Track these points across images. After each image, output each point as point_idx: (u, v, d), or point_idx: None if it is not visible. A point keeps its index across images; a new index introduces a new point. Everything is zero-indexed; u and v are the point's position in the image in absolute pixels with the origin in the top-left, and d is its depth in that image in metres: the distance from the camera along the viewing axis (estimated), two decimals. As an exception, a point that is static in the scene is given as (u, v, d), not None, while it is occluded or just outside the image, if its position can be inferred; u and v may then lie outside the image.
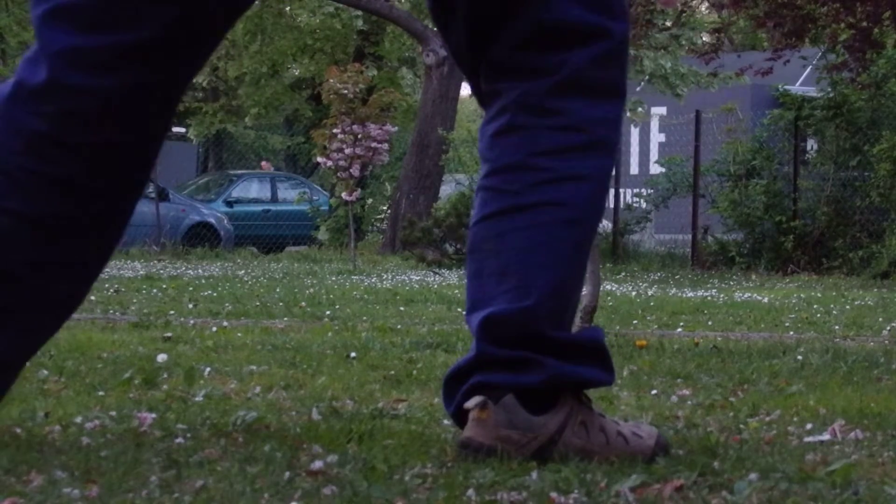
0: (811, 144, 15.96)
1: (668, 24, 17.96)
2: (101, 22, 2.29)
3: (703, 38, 18.95)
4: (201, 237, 19.66)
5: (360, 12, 20.62)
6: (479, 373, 2.37)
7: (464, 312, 2.50)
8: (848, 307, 8.42)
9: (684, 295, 9.79)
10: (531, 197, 2.39)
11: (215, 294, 8.59)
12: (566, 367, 2.38)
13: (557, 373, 2.37)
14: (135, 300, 7.67)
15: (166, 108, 2.40)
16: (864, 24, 16.67)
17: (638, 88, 19.40)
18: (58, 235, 2.35)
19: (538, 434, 2.34)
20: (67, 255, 2.37)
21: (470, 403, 2.34)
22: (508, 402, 2.33)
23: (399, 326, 5.84)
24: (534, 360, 2.36)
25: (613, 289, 10.29)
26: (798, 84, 20.28)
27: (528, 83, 2.41)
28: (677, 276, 13.41)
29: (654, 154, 20.39)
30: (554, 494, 2.03)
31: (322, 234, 20.43)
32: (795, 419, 2.96)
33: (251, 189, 23.91)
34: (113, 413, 2.84)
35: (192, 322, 5.91)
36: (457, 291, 8.83)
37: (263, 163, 24.24)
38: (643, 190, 17.71)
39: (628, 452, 2.35)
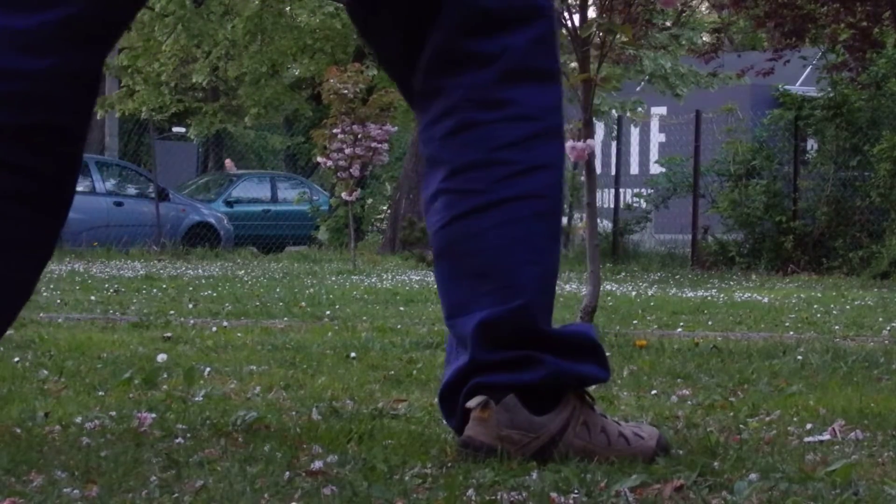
0: (811, 144, 15.96)
1: (668, 23, 17.95)
2: (26, 1, 2.28)
3: (703, 38, 18.95)
4: (201, 237, 19.66)
5: (360, 12, 20.52)
6: (476, 376, 2.35)
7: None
8: (848, 307, 8.42)
9: (684, 295, 9.79)
10: (501, 192, 2.35)
11: (215, 294, 8.59)
12: (564, 364, 2.37)
13: (556, 370, 2.36)
14: (135, 300, 7.67)
15: (94, 87, 2.39)
16: (864, 23, 16.67)
17: (638, 88, 19.38)
18: None
19: (539, 434, 2.33)
20: (6, 237, 2.33)
21: (472, 403, 2.33)
22: (510, 401, 2.32)
23: (399, 326, 5.84)
24: (533, 358, 2.35)
25: (613, 289, 10.29)
26: (798, 84, 20.26)
27: (471, 74, 2.36)
28: (677, 276, 13.40)
29: (654, 154, 20.38)
30: (554, 494, 2.03)
31: (322, 234, 20.43)
32: (795, 419, 2.96)
33: (251, 189, 23.91)
34: (113, 413, 2.84)
35: (192, 322, 5.91)
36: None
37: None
38: (643, 190, 17.71)
39: (630, 453, 2.35)
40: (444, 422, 2.47)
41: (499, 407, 2.32)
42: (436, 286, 2.45)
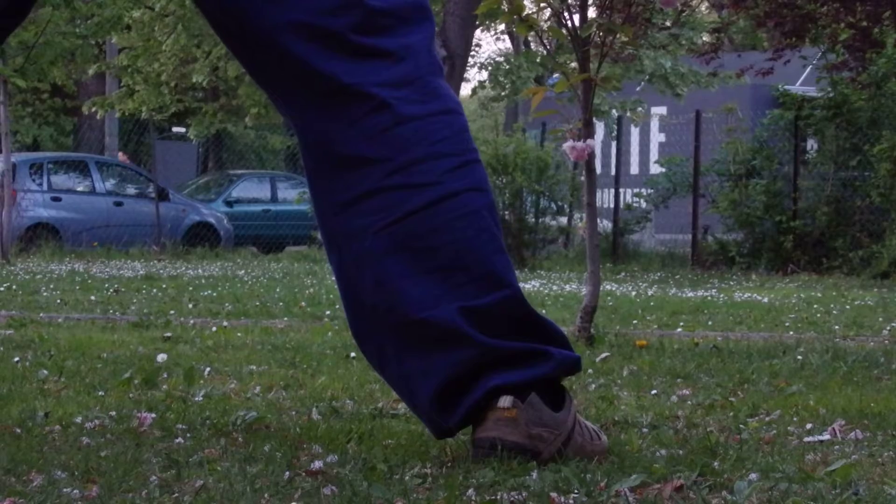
0: (811, 144, 15.96)
1: (668, 23, 17.95)
2: None
3: (703, 38, 18.95)
4: (201, 237, 19.65)
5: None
6: (492, 374, 2.32)
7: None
8: (848, 307, 8.41)
9: (684, 295, 9.79)
10: (453, 184, 2.35)
11: (215, 294, 8.59)
12: (564, 353, 2.39)
13: (561, 360, 2.38)
14: (135, 300, 7.67)
15: None
16: (864, 23, 16.66)
17: (638, 88, 19.39)
18: None
19: (561, 430, 2.35)
20: None
21: (505, 403, 2.31)
22: (534, 400, 2.33)
23: (399, 326, 5.83)
24: (540, 351, 2.36)
25: (613, 289, 10.29)
26: (798, 84, 20.26)
27: (385, 70, 2.35)
28: (677, 276, 13.40)
29: (654, 154, 20.38)
30: (554, 494, 2.03)
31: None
32: (795, 419, 2.96)
33: (251, 189, 23.90)
34: (113, 413, 2.84)
35: (192, 322, 5.91)
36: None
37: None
38: (643, 190, 17.70)
39: (597, 450, 2.39)
40: (434, 420, 2.40)
41: (525, 405, 2.32)
42: (375, 291, 2.34)
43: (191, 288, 9.31)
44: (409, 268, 2.33)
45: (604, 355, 4.43)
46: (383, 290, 2.35)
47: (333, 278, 2.44)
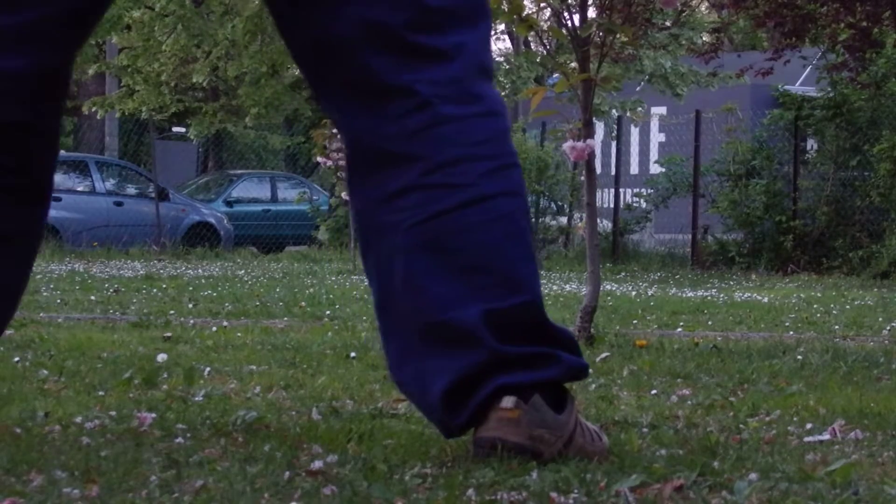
0: (811, 144, 15.96)
1: (668, 23, 17.95)
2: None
3: (703, 38, 18.94)
4: (201, 237, 19.65)
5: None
6: (500, 374, 2.33)
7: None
8: (848, 307, 8.42)
9: (684, 295, 9.79)
10: (488, 187, 2.35)
11: (215, 294, 8.59)
12: (573, 359, 2.40)
13: (569, 365, 2.39)
14: (135, 300, 7.67)
15: (63, 86, 2.40)
16: (864, 23, 16.66)
17: (638, 88, 19.39)
18: None
19: (563, 433, 2.35)
20: None
21: (508, 403, 2.32)
22: (537, 401, 2.33)
23: (399, 326, 5.83)
24: (551, 355, 2.37)
25: (613, 289, 10.29)
26: (798, 84, 20.26)
27: (433, 69, 2.35)
28: (677, 276, 13.40)
29: (654, 154, 20.38)
30: (554, 494, 2.03)
31: (322, 234, 20.41)
32: (795, 419, 2.96)
33: (251, 189, 23.90)
34: (113, 413, 2.84)
35: (192, 322, 5.91)
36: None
37: None
38: (643, 190, 17.70)
39: (598, 451, 2.39)
40: (442, 419, 2.41)
41: (528, 406, 2.32)
42: (403, 287, 2.36)
43: (191, 288, 9.31)
44: (435, 265, 2.35)
45: (604, 355, 4.43)
46: (409, 286, 2.36)
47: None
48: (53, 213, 18.23)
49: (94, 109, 21.77)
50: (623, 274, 13.72)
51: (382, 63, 2.36)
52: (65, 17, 2.33)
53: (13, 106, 2.32)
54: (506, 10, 4.74)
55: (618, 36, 5.11)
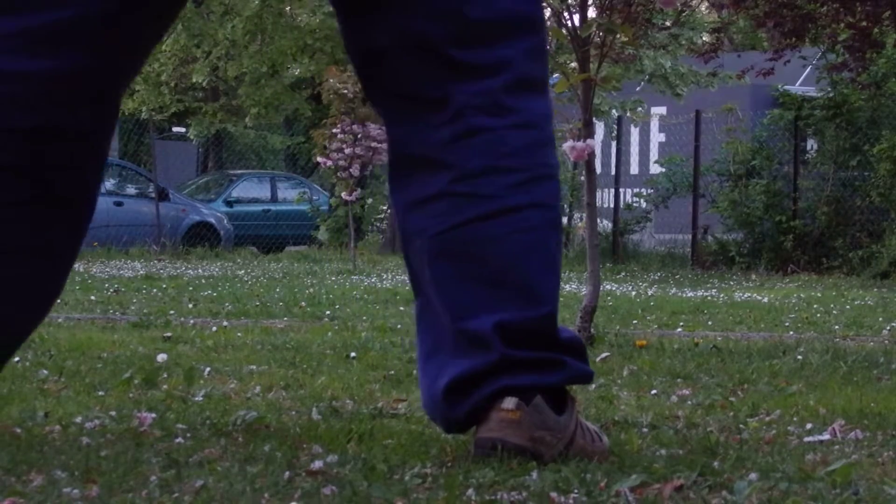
0: (811, 144, 15.96)
1: (668, 23, 17.94)
2: (24, 3, 2.31)
3: (703, 38, 18.94)
4: (201, 237, 19.65)
5: (360, 12, 20.51)
6: (504, 376, 2.35)
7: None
8: (848, 307, 8.42)
9: (684, 295, 9.79)
10: (515, 199, 2.37)
11: (215, 294, 8.59)
12: (579, 365, 2.42)
13: (576, 371, 2.41)
14: (135, 300, 7.67)
15: (106, 94, 2.40)
16: (864, 24, 16.66)
17: (638, 88, 19.38)
18: (18, 222, 2.35)
19: (564, 434, 2.36)
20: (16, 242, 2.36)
21: (509, 405, 2.33)
22: (539, 403, 2.34)
23: (399, 326, 5.84)
24: (558, 361, 2.38)
25: (613, 289, 10.29)
26: (798, 84, 20.26)
27: (474, 83, 2.38)
28: (677, 276, 13.40)
29: (654, 154, 20.38)
30: (554, 494, 2.03)
31: (322, 234, 20.42)
32: (795, 419, 2.96)
33: (251, 189, 23.90)
34: (113, 413, 2.84)
35: (192, 322, 5.91)
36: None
37: None
38: (643, 190, 17.70)
39: (598, 452, 2.39)
40: (442, 414, 2.42)
41: (530, 408, 2.33)
42: (431, 290, 2.42)
43: (191, 288, 9.31)
44: (456, 273, 2.39)
45: (604, 355, 4.43)
46: (436, 289, 2.41)
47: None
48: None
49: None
50: (623, 274, 13.72)
51: (422, 74, 2.40)
52: (96, 18, 2.33)
53: (45, 108, 2.32)
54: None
55: (618, 36, 5.11)
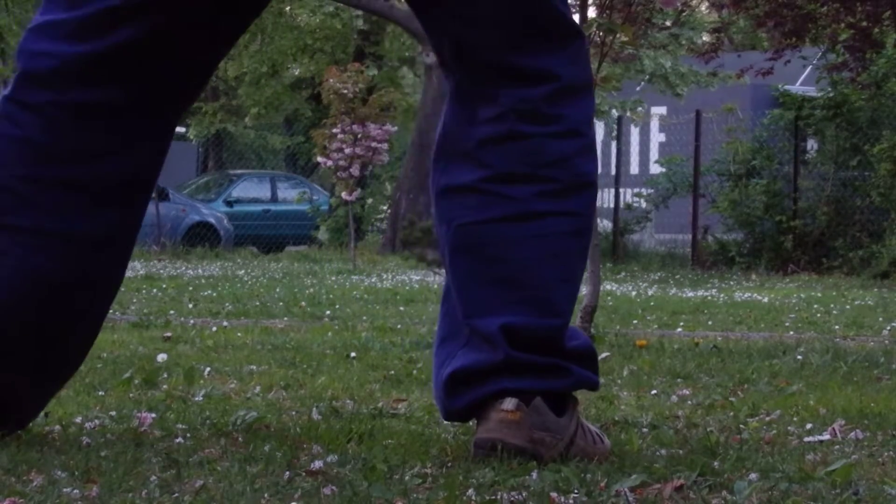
0: (811, 144, 15.96)
1: (668, 23, 17.95)
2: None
3: (703, 38, 18.95)
4: (201, 237, 19.65)
5: (360, 12, 20.60)
6: (507, 377, 2.35)
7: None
8: (848, 307, 8.42)
9: (684, 295, 9.79)
10: (543, 206, 2.38)
11: (215, 294, 8.59)
12: (584, 373, 2.42)
13: (580, 378, 2.42)
14: (135, 300, 7.67)
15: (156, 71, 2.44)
16: (864, 23, 16.66)
17: (638, 88, 19.40)
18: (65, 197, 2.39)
19: (564, 435, 2.36)
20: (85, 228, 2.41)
21: (509, 405, 2.33)
22: (539, 404, 2.34)
23: (399, 326, 5.84)
24: (563, 368, 2.39)
25: (613, 289, 10.29)
26: (798, 84, 20.27)
27: (519, 90, 2.40)
28: (677, 276, 13.41)
29: (654, 154, 20.39)
30: (554, 494, 2.03)
31: (322, 234, 20.42)
32: (795, 419, 2.97)
33: (251, 189, 23.90)
34: (113, 413, 2.84)
35: (192, 322, 5.92)
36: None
37: None
38: (643, 190, 17.71)
39: (599, 453, 2.40)
40: (442, 403, 2.44)
41: (529, 409, 2.33)
42: (438, 286, 2.45)
43: (191, 288, 9.31)
44: (474, 269, 2.40)
45: (604, 355, 4.43)
46: (453, 280, 2.43)
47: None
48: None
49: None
50: (623, 274, 13.72)
51: (473, 74, 2.42)
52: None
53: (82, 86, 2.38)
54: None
55: (618, 36, 5.11)
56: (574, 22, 2.47)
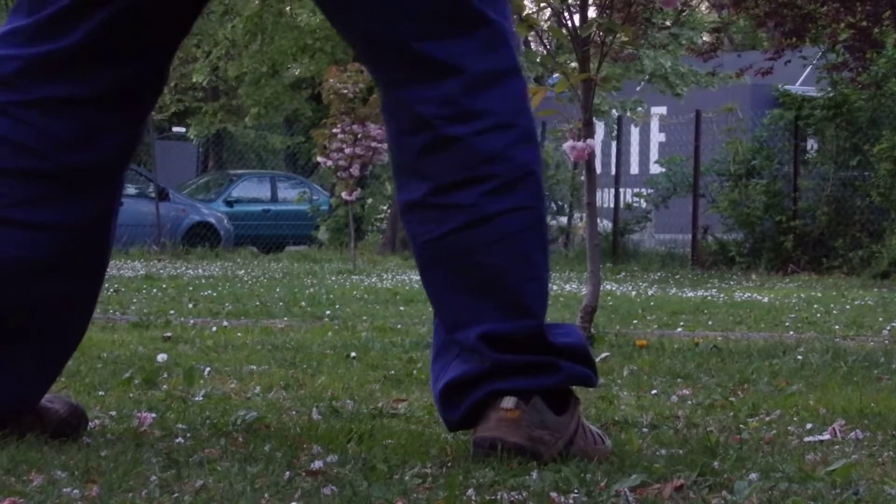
0: (811, 144, 15.96)
1: (668, 23, 17.95)
2: None
3: (703, 38, 18.94)
4: (201, 237, 19.64)
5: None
6: (498, 380, 2.35)
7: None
8: (848, 307, 8.42)
9: (684, 295, 9.79)
10: (491, 207, 2.35)
11: (215, 294, 8.59)
12: (576, 368, 2.41)
13: (572, 374, 2.40)
14: (135, 300, 7.67)
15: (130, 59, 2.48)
16: (864, 23, 16.66)
17: (638, 88, 19.38)
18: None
19: (563, 434, 2.36)
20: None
21: (508, 404, 2.33)
22: (538, 403, 2.34)
23: (399, 326, 5.84)
24: (552, 364, 2.38)
25: (613, 289, 10.29)
26: (798, 84, 20.26)
27: (433, 86, 2.35)
28: (677, 276, 13.41)
29: (654, 154, 20.38)
30: (554, 494, 2.03)
31: (322, 234, 20.42)
32: (795, 419, 2.97)
33: (251, 189, 23.89)
34: (113, 413, 2.84)
35: (192, 322, 5.92)
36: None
37: None
38: (643, 190, 17.70)
39: (599, 453, 2.39)
40: (441, 415, 2.45)
41: (528, 408, 2.33)
42: (428, 296, 2.45)
43: (191, 288, 9.31)
44: (445, 282, 2.41)
45: (604, 355, 4.43)
46: (430, 295, 2.45)
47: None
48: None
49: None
50: (623, 274, 13.72)
51: (386, 70, 2.40)
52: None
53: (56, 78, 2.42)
54: (506, 10, 4.74)
55: (618, 36, 5.11)
56: (482, 9, 2.37)
